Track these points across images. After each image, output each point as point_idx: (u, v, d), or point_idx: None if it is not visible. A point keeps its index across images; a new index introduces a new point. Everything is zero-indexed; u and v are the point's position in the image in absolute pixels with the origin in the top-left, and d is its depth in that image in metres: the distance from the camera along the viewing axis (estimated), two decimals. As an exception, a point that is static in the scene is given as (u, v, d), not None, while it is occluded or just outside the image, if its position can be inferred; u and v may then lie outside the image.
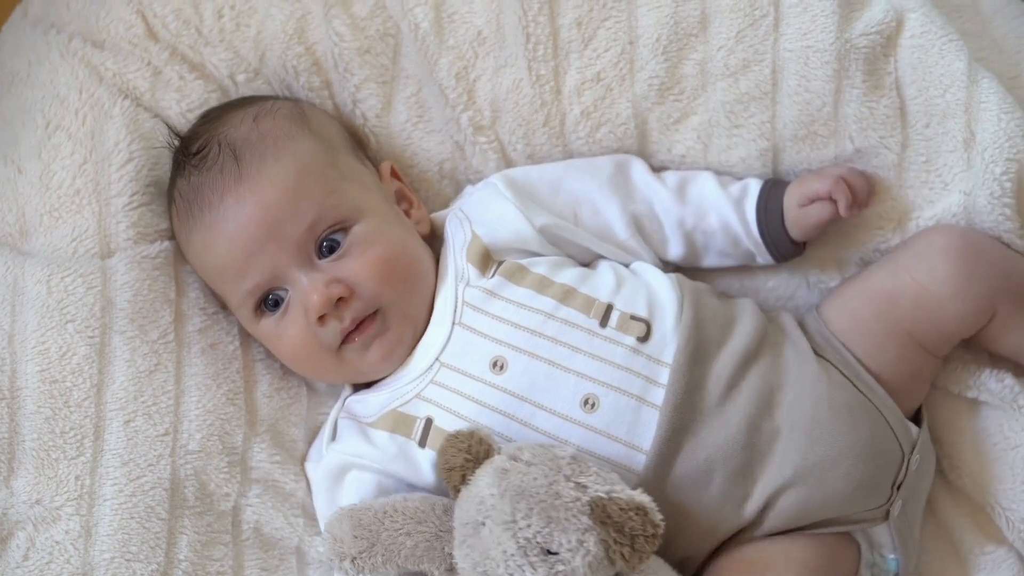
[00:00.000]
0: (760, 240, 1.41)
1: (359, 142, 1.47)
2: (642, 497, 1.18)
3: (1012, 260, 1.37)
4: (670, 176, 1.45)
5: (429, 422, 1.31)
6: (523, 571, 1.14)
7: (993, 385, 1.41)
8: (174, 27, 1.46)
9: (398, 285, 1.34)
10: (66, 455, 1.33)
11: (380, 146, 1.49)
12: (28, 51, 1.46)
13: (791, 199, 1.39)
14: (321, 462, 1.39)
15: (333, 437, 1.39)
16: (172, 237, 1.43)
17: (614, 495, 1.17)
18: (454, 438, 1.23)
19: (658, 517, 1.16)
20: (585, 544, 1.15)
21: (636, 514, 1.16)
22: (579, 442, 1.27)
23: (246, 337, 1.45)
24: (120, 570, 1.30)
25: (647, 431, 1.27)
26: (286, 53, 1.45)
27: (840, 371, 1.35)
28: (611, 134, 1.45)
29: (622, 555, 1.15)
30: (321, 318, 1.31)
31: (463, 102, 1.45)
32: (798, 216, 1.39)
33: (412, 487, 1.32)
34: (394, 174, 1.46)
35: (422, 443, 1.31)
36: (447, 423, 1.30)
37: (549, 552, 1.15)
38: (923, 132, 1.39)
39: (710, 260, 1.45)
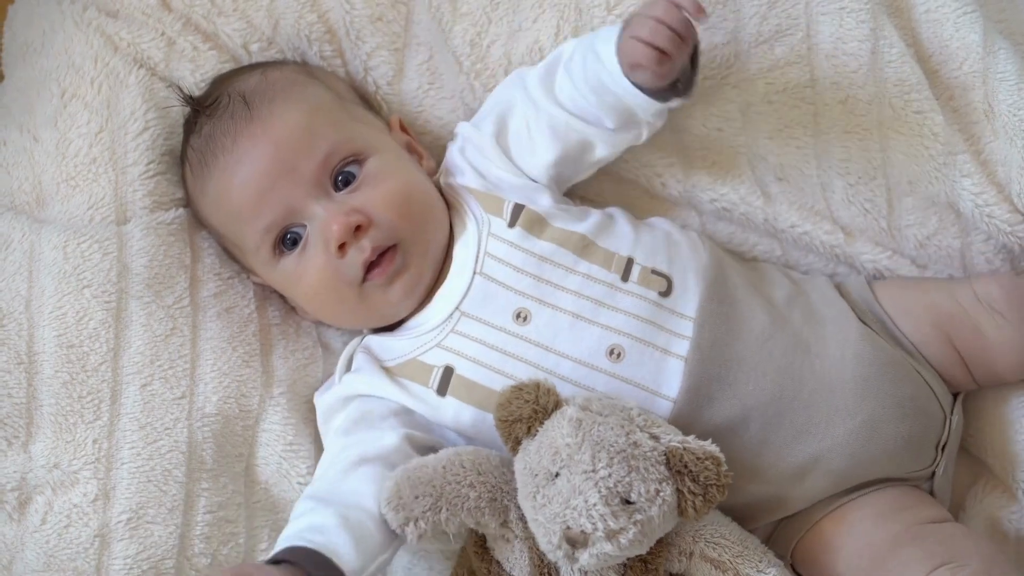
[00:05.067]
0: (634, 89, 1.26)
1: (370, 105, 1.47)
2: (713, 447, 1.19)
3: None
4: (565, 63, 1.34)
5: (449, 371, 1.31)
6: (605, 520, 1.15)
7: None
8: (187, -4, 1.46)
9: (414, 219, 1.34)
10: (84, 419, 1.34)
11: (392, 113, 1.48)
12: (42, 21, 1.46)
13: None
14: (332, 388, 1.38)
15: (349, 368, 1.39)
16: (187, 205, 1.44)
17: (688, 445, 1.19)
18: (518, 390, 1.22)
19: (726, 467, 1.18)
20: (662, 493, 1.17)
21: (711, 463, 1.17)
22: (605, 389, 1.28)
23: (261, 301, 1.45)
24: (138, 532, 1.31)
25: (673, 380, 1.28)
26: (299, 22, 1.46)
27: (879, 335, 1.35)
28: None
29: (693, 505, 1.17)
30: (341, 247, 1.30)
31: (477, 68, 1.44)
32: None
33: (431, 424, 1.32)
34: (403, 128, 1.45)
35: (442, 391, 1.31)
36: (470, 372, 1.30)
37: (627, 502, 1.16)
38: (949, 104, 1.38)
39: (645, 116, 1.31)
